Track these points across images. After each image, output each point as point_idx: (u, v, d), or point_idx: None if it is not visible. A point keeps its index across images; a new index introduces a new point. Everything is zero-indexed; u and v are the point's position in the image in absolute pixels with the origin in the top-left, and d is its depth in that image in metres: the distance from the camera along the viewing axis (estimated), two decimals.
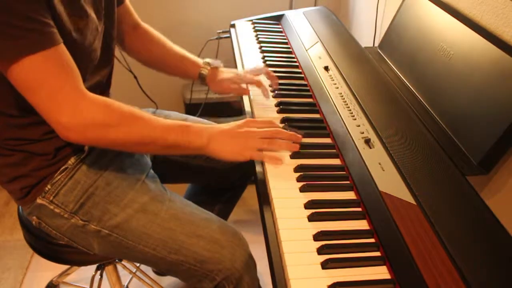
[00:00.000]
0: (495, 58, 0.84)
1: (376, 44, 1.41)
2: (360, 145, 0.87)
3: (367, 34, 1.70)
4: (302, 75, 1.19)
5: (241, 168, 1.22)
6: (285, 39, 1.39)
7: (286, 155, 0.88)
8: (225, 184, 1.29)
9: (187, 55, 1.16)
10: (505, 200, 0.88)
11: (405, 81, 1.08)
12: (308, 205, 0.77)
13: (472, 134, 0.84)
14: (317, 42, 1.26)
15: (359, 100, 0.98)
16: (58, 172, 0.91)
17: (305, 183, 0.81)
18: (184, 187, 1.39)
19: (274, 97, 1.09)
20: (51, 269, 1.48)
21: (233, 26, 1.48)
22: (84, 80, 0.85)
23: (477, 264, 0.62)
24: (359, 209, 0.78)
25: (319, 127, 0.98)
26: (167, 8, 1.93)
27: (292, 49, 1.32)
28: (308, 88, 1.13)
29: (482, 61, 0.87)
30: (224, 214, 1.32)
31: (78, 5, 0.83)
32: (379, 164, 0.81)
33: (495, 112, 0.81)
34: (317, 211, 0.75)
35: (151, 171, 1.03)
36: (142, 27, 1.16)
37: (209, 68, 1.14)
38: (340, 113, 0.97)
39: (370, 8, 1.67)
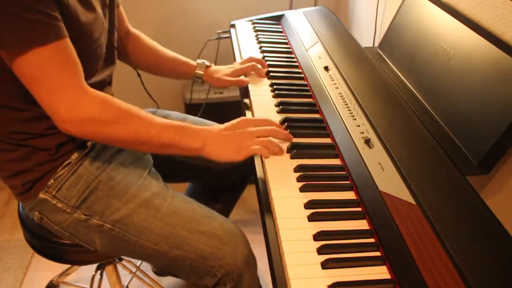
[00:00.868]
0: (495, 58, 0.84)
1: (376, 44, 1.41)
2: (360, 145, 0.87)
3: (367, 34, 1.70)
4: (302, 75, 1.19)
5: (241, 168, 1.23)
6: (285, 39, 1.39)
7: (286, 155, 0.89)
8: (225, 184, 1.29)
9: (179, 57, 1.21)
10: (505, 200, 0.88)
11: (405, 81, 1.08)
12: (308, 205, 0.77)
13: (472, 134, 0.84)
14: (317, 42, 1.26)
15: (359, 100, 0.98)
16: (61, 167, 0.92)
17: (305, 183, 0.81)
18: (184, 187, 1.40)
19: (274, 97, 1.09)
20: (51, 269, 1.48)
21: (233, 26, 1.48)
22: (91, 77, 0.85)
23: (477, 264, 0.62)
24: (359, 209, 0.78)
25: (319, 127, 0.98)
26: (167, 8, 1.93)
27: (292, 49, 1.32)
28: (308, 88, 1.13)
29: (482, 61, 0.87)
30: (224, 213, 1.31)
31: None
32: (379, 164, 0.81)
33: (495, 112, 0.81)
34: (317, 211, 0.75)
35: (153, 168, 1.04)
36: (132, 33, 1.18)
37: (204, 68, 1.20)
38: (340, 113, 0.97)
39: (370, 8, 1.67)
